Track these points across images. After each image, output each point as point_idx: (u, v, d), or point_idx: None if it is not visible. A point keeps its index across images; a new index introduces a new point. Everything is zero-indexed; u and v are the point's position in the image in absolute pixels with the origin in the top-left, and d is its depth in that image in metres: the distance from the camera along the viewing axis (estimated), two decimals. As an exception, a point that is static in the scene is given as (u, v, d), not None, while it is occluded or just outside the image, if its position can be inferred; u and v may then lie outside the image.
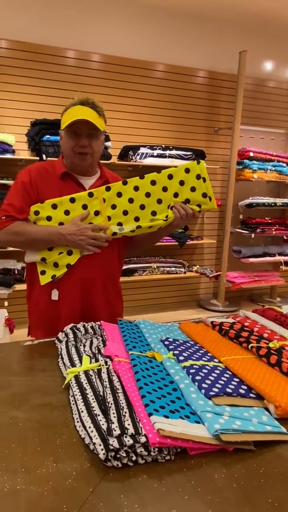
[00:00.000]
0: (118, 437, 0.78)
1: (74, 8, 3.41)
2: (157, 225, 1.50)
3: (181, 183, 1.48)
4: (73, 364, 1.12)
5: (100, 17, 3.51)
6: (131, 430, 0.80)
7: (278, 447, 0.84)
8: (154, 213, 1.50)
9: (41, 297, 1.58)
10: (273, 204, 4.19)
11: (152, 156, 3.68)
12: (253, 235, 4.15)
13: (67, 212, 1.47)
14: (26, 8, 3.28)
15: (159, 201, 1.49)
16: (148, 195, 1.48)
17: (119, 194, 1.48)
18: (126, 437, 0.78)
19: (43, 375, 1.14)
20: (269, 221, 4.32)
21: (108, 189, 1.48)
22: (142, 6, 3.57)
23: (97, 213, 1.49)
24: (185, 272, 4.02)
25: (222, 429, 0.82)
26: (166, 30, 3.77)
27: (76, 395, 0.97)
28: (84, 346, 1.24)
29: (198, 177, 1.48)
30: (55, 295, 1.56)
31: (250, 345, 1.23)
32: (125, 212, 1.49)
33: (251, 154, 4.00)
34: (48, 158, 3.34)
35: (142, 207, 1.49)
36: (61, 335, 1.33)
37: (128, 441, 0.77)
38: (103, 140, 1.57)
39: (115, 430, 0.79)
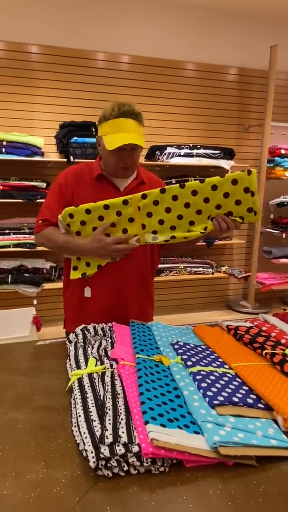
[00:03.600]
0: (110, 445, 0.76)
1: (103, 11, 3.42)
2: (193, 236, 1.40)
3: (226, 195, 1.32)
4: (78, 366, 1.10)
5: (129, 18, 3.51)
6: (124, 439, 0.77)
7: (283, 463, 0.78)
8: (192, 223, 1.38)
9: (74, 293, 1.62)
10: (306, 203, 4.02)
11: (179, 155, 3.62)
12: (284, 235, 4.00)
13: (101, 218, 1.41)
14: (55, 13, 3.33)
15: (199, 212, 1.36)
16: (187, 205, 1.34)
17: (156, 202, 1.35)
18: (118, 445, 0.76)
19: (49, 376, 1.14)
20: (302, 220, 4.15)
21: (144, 196, 1.35)
22: (171, 5, 3.53)
23: (131, 220, 1.40)
24: (213, 273, 3.94)
25: (221, 442, 0.78)
26: (195, 28, 3.71)
27: (76, 398, 0.95)
28: (92, 348, 1.22)
29: (247, 190, 1.30)
30: (87, 292, 1.58)
31: (264, 351, 1.17)
32: (161, 222, 1.37)
33: (283, 151, 3.85)
34: (75, 160, 3.38)
35: (180, 217, 1.36)
36: (71, 336, 1.32)
37: (120, 450, 0.75)
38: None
39: (107, 438, 0.76)
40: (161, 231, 1.40)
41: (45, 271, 3.54)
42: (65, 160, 3.41)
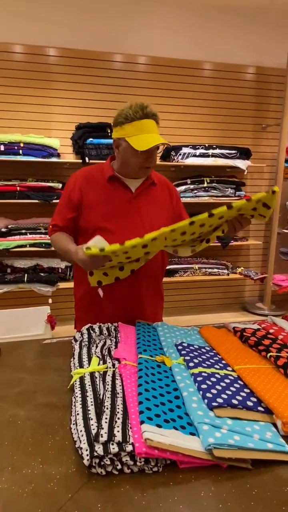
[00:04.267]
0: (104, 444, 0.76)
1: (119, 13, 3.45)
2: (209, 243, 1.45)
3: (239, 210, 1.28)
4: (81, 365, 1.12)
5: (145, 19, 3.52)
6: (118, 438, 0.77)
7: (278, 467, 0.77)
8: (214, 228, 1.39)
9: (87, 295, 1.62)
10: None
11: (195, 155, 3.61)
12: (302, 236, 3.92)
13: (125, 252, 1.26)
14: (72, 16, 3.37)
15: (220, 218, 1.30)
16: (202, 225, 1.26)
17: (183, 233, 1.27)
18: (112, 444, 0.76)
19: (53, 374, 1.15)
20: None
21: (172, 231, 1.21)
22: (187, 5, 3.52)
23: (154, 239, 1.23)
24: (228, 274, 3.90)
25: (216, 444, 0.78)
26: (211, 28, 3.70)
27: (77, 396, 0.96)
28: (96, 347, 1.24)
29: (266, 205, 1.27)
30: (101, 293, 1.56)
31: (269, 354, 1.16)
32: (183, 241, 1.35)
33: (301, 150, 3.78)
34: (91, 161, 3.41)
35: (194, 234, 1.31)
36: (77, 335, 1.34)
37: (114, 448, 0.75)
38: None
39: (102, 436, 0.77)
40: (182, 246, 1.41)
41: (60, 271, 3.59)
42: (81, 161, 3.45)
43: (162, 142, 1.41)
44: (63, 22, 3.39)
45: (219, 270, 3.89)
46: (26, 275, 3.42)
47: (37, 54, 3.43)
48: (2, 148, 3.25)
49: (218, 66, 3.85)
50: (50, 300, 3.57)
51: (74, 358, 1.19)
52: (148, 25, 3.56)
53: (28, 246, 3.41)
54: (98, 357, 1.16)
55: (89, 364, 1.12)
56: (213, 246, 3.86)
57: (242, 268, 4.03)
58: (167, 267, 3.72)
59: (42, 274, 3.48)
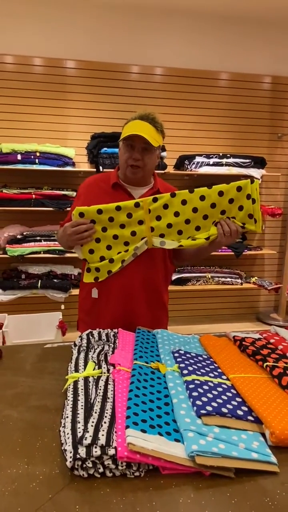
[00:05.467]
0: (88, 447, 0.77)
1: (134, 24, 3.51)
2: (198, 243, 1.45)
3: (231, 201, 1.40)
4: (77, 370, 1.13)
5: (160, 31, 3.58)
6: (102, 441, 0.78)
7: (262, 477, 0.76)
8: (198, 228, 1.44)
9: (88, 295, 1.66)
10: None
11: (208, 164, 3.61)
12: None
13: (111, 219, 1.46)
14: (89, 29, 3.46)
15: (205, 217, 1.42)
16: (195, 210, 1.41)
17: (166, 206, 1.42)
18: (95, 447, 0.77)
19: (49, 378, 1.17)
20: None
21: (155, 200, 1.42)
22: (203, 16, 3.56)
23: (141, 222, 1.45)
24: (241, 283, 3.86)
25: (199, 451, 0.77)
26: (227, 38, 3.72)
27: (68, 400, 0.98)
28: (94, 352, 1.25)
29: (248, 197, 1.39)
30: (95, 293, 1.62)
31: (265, 364, 1.15)
32: (169, 225, 1.43)
33: None
34: (105, 170, 3.46)
35: (187, 221, 1.42)
36: (77, 340, 1.36)
37: (96, 451, 0.76)
38: (158, 154, 1.58)
39: (86, 439, 0.78)
40: (169, 234, 1.45)
41: (73, 277, 3.63)
42: (95, 170, 3.50)
43: (139, 133, 1.42)
44: (80, 35, 3.47)
45: (233, 280, 3.85)
46: (40, 281, 3.47)
47: (54, 67, 3.52)
48: (19, 157, 3.34)
49: (233, 76, 3.86)
50: (62, 306, 3.62)
51: (71, 363, 1.21)
52: (163, 37, 3.62)
53: (42, 252, 3.47)
54: (94, 362, 1.18)
55: (84, 368, 1.13)
56: (226, 255, 3.85)
57: (256, 277, 3.98)
58: (179, 276, 3.74)
59: (55, 280, 3.53)
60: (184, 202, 1.41)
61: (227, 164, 3.66)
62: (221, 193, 1.39)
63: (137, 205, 1.44)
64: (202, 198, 1.40)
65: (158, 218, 1.44)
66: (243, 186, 1.37)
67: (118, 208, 1.45)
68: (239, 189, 1.38)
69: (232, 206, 1.40)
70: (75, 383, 1.05)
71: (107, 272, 1.54)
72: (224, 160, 3.65)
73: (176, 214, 1.42)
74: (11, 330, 3.12)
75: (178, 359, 1.18)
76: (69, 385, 1.05)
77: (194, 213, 1.41)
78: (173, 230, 1.44)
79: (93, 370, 1.12)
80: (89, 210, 1.46)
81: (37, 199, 3.43)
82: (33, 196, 3.42)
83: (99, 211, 1.46)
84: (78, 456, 0.75)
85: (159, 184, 1.65)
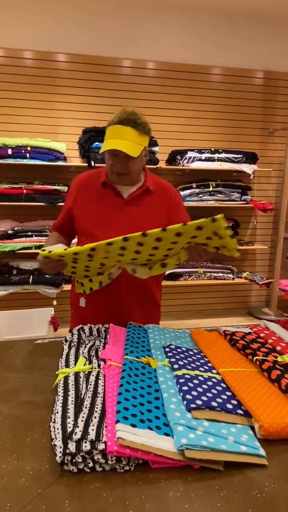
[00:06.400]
0: (77, 442, 0.77)
1: (127, 18, 3.48)
2: (169, 268, 1.37)
3: (194, 237, 1.21)
4: (67, 365, 1.13)
5: (153, 25, 3.55)
6: (91, 436, 0.78)
7: (250, 470, 0.77)
8: (166, 255, 1.31)
9: (75, 299, 1.68)
10: None
11: (200, 160, 3.61)
12: (309, 241, 3.88)
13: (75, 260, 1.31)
14: (80, 22, 3.42)
15: (174, 243, 1.22)
16: (159, 239, 1.19)
17: (140, 244, 1.21)
18: (85, 442, 0.77)
19: (40, 373, 1.17)
20: None
21: (125, 239, 1.17)
22: (196, 10, 3.54)
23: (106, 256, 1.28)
24: (233, 278, 3.88)
25: (188, 445, 0.78)
26: (220, 33, 3.70)
27: (59, 395, 0.98)
28: (85, 347, 1.25)
29: (215, 233, 1.18)
30: (82, 302, 1.62)
31: (255, 358, 1.15)
32: (137, 252, 1.25)
33: (308, 155, 3.75)
34: (96, 164, 3.44)
35: (155, 248, 1.23)
36: (68, 336, 1.36)
37: (86, 446, 0.76)
38: (146, 152, 1.51)
39: (75, 434, 0.78)
40: (139, 261, 1.32)
41: (65, 273, 3.61)
42: (86, 165, 3.48)
43: (115, 148, 1.36)
44: (71, 28, 3.44)
45: (224, 275, 3.87)
46: (31, 276, 3.45)
47: (45, 60, 3.48)
48: (10, 151, 3.30)
49: (225, 71, 3.85)
50: (54, 302, 3.61)
51: (62, 358, 1.21)
52: (155, 31, 3.59)
53: (33, 248, 3.44)
54: (85, 357, 1.17)
55: (75, 364, 1.13)
56: (218, 250, 3.86)
57: (247, 272, 4.00)
58: (172, 271, 3.74)
59: (47, 276, 3.51)
60: (159, 240, 1.19)
61: (219, 159, 3.65)
62: (178, 234, 1.17)
63: (109, 244, 1.21)
64: (158, 240, 1.18)
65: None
66: (204, 226, 1.14)
67: (93, 250, 1.23)
68: (199, 228, 1.15)
69: (200, 233, 1.19)
70: (66, 378, 1.05)
71: (98, 284, 1.48)
72: (216, 155, 3.64)
73: (140, 244, 1.21)
74: (3, 326, 3.11)
75: (169, 354, 1.18)
76: (60, 380, 1.05)
77: (158, 242, 1.20)
78: (143, 264, 1.35)
79: (84, 365, 1.12)
80: (52, 255, 1.29)
81: (28, 194, 3.40)
82: (24, 191, 3.39)
83: (61, 256, 1.29)
84: (68, 451, 0.76)
85: (149, 181, 1.59)
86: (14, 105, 3.49)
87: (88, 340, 1.32)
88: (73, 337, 1.33)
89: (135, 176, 1.53)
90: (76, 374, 1.07)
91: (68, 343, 1.29)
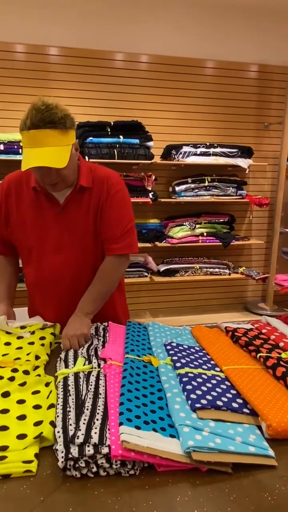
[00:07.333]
0: (80, 446, 0.74)
1: (120, 11, 3.43)
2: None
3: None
4: (66, 365, 1.10)
5: (146, 17, 3.50)
6: (95, 439, 0.75)
7: (259, 472, 0.74)
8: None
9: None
10: None
11: (195, 154, 3.57)
12: (305, 236, 3.87)
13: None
14: (73, 15, 3.36)
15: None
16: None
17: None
18: (88, 446, 0.74)
19: (38, 374, 1.13)
20: None
21: None
22: (189, 2, 3.49)
23: None
24: (229, 274, 3.86)
25: (195, 446, 0.75)
26: (214, 26, 3.66)
27: (59, 398, 0.95)
28: (83, 347, 1.22)
29: None
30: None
31: (258, 355, 1.13)
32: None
33: (304, 149, 3.73)
34: (91, 160, 3.39)
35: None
36: (66, 335, 1.32)
37: (89, 451, 0.73)
38: (76, 147, 1.30)
39: (78, 438, 0.75)
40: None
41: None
42: (81, 160, 3.43)
43: (36, 165, 1.15)
44: (64, 21, 3.37)
45: (221, 270, 3.85)
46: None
47: (38, 53, 3.42)
48: (2, 147, 3.24)
49: (220, 64, 3.81)
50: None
51: (60, 359, 1.17)
52: (149, 24, 3.54)
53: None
54: (84, 357, 1.14)
55: (74, 364, 1.10)
56: (214, 245, 3.84)
57: (244, 268, 3.98)
58: (168, 267, 3.71)
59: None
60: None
61: (214, 154, 3.62)
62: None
63: None
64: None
65: None
66: None
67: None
68: None
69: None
70: (65, 379, 1.02)
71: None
72: (211, 150, 3.61)
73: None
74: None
75: (171, 352, 1.15)
76: (59, 382, 1.02)
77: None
78: None
79: (83, 365, 1.09)
80: None
81: (21, 190, 3.35)
82: (18, 187, 3.33)
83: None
84: (70, 455, 0.72)
85: (84, 177, 1.36)
86: (6, 99, 3.42)
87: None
88: (72, 336, 1.29)
89: (71, 178, 1.32)
90: (76, 375, 1.04)
91: (66, 342, 1.26)
